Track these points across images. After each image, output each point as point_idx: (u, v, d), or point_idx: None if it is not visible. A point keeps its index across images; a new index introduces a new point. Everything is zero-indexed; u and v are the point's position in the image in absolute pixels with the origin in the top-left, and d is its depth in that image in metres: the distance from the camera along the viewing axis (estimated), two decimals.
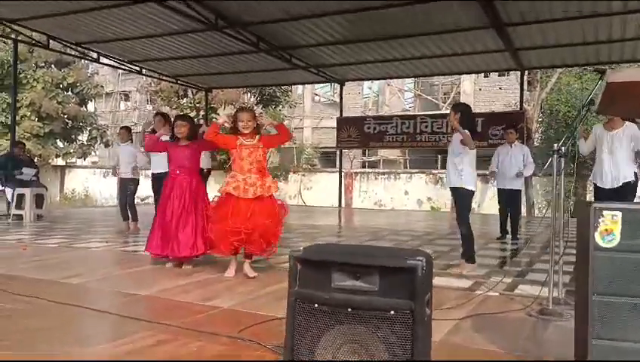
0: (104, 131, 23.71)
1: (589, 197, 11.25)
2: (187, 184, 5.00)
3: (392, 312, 1.87)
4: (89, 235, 7.60)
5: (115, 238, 7.29)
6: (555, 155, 3.59)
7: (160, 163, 6.96)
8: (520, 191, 7.71)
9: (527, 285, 4.45)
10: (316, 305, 1.95)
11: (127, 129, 8.33)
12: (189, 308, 3.50)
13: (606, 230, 2.16)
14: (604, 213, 2.15)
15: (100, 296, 3.97)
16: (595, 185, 5.52)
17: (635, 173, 5.45)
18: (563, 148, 3.64)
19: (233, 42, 9.97)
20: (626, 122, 5.18)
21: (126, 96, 30.79)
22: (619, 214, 2.14)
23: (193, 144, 5.13)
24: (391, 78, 14.58)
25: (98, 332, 3.09)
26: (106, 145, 23.50)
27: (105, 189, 21.67)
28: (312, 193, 15.98)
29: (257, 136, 4.64)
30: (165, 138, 5.50)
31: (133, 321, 3.16)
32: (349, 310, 1.90)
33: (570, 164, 14.96)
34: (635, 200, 5.74)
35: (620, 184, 5.24)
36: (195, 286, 4.24)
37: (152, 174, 7.13)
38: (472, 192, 5.07)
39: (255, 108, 21.16)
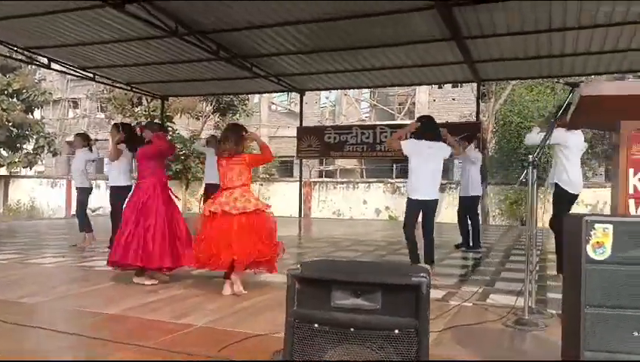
0: (52, 140, 22.78)
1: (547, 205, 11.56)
2: (159, 193, 4.83)
3: (397, 331, 1.81)
4: (42, 250, 7.23)
5: (71, 253, 6.95)
6: (530, 167, 3.62)
7: (117, 177, 6.73)
8: (477, 197, 7.86)
9: (497, 294, 4.50)
10: (316, 326, 1.87)
11: (82, 136, 7.99)
12: (161, 327, 3.34)
13: (597, 243, 2.17)
14: (596, 225, 2.17)
15: (62, 316, 3.74)
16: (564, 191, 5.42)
17: None
18: (536, 159, 3.68)
19: (193, 50, 9.75)
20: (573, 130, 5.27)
21: (75, 104, 29.75)
22: (610, 227, 2.16)
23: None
24: (351, 88, 14.66)
25: (65, 356, 2.89)
26: (54, 154, 22.59)
27: (53, 200, 20.79)
28: (271, 203, 15.76)
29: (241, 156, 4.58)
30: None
31: (103, 343, 2.98)
32: (352, 330, 1.83)
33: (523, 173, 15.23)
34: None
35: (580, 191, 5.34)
36: (164, 303, 4.07)
37: (111, 187, 6.86)
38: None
39: (211, 116, 20.88)
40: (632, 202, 3.41)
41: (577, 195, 5.19)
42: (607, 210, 13.00)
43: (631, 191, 3.40)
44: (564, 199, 5.13)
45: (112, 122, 10.45)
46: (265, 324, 3.40)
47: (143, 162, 4.94)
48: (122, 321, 3.53)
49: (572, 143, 5.11)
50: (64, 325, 3.37)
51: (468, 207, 7.72)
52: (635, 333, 2.13)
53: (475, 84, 13.32)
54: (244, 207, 4.36)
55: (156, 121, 16.85)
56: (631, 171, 3.38)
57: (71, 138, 28.22)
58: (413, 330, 1.81)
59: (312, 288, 1.91)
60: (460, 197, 7.91)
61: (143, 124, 6.76)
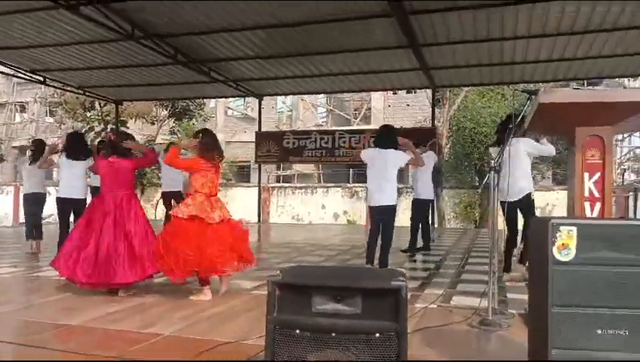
0: None
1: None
2: (118, 202, 4.70)
3: (378, 335, 1.84)
4: None
5: (24, 263, 6.68)
6: (492, 172, 3.74)
7: (65, 186, 6.55)
8: (428, 201, 7.99)
9: (460, 296, 4.61)
10: (297, 331, 1.88)
11: (40, 142, 7.71)
12: (128, 338, 3.26)
13: (563, 244, 2.27)
14: (561, 228, 2.26)
15: (23, 328, 3.59)
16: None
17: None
18: (497, 165, 3.80)
19: (149, 53, 9.58)
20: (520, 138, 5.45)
21: (22, 108, 28.64)
22: (574, 229, 2.26)
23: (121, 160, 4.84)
24: (308, 93, 14.73)
25: None
26: (0, 159, 21.68)
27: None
28: (229, 208, 15.62)
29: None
30: None
31: (69, 355, 2.89)
32: (333, 334, 1.85)
33: (476, 177, 15.83)
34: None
35: (523, 196, 5.45)
36: (128, 313, 3.97)
37: (57, 198, 6.62)
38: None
39: (167, 121, 20.52)
40: (587, 204, 3.58)
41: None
42: (555, 212, 13.52)
43: (586, 193, 3.58)
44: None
45: (64, 127, 10.09)
46: (233, 332, 3.38)
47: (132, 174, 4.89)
48: (86, 332, 3.42)
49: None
50: (25, 338, 3.23)
51: (420, 210, 7.84)
52: (599, 331, 2.23)
53: (429, 91, 13.61)
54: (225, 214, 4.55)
55: (110, 126, 16.47)
56: (586, 175, 3.55)
57: (17, 143, 27.21)
58: (393, 333, 1.85)
59: (292, 294, 1.92)
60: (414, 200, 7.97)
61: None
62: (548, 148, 5.35)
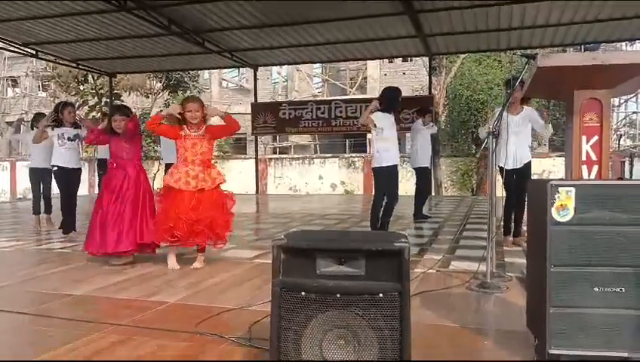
0: None
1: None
2: (127, 175, 4.73)
3: (381, 295, 1.88)
4: None
5: (26, 236, 6.72)
6: (490, 136, 3.76)
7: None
8: (426, 168, 8.09)
9: (459, 261, 4.67)
10: (303, 293, 1.92)
11: (42, 115, 7.61)
12: (134, 306, 3.32)
13: (561, 205, 2.30)
14: (560, 189, 2.30)
15: (29, 299, 3.63)
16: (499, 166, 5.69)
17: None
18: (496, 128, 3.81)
19: (143, 24, 9.49)
20: (525, 106, 5.49)
21: (14, 82, 28.34)
22: (573, 190, 2.29)
23: (130, 133, 4.84)
24: (304, 62, 14.60)
25: (40, 339, 2.81)
26: None
27: None
28: (226, 181, 15.68)
29: (204, 127, 4.49)
30: None
31: (77, 323, 2.94)
32: (338, 296, 1.90)
33: (472, 145, 15.86)
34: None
35: (523, 164, 5.51)
36: (133, 282, 4.03)
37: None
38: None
39: (161, 94, 20.38)
40: (584, 168, 3.62)
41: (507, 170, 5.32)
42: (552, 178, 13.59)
43: (584, 157, 3.60)
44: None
45: (58, 101, 9.97)
46: (236, 299, 3.44)
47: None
48: (93, 302, 3.48)
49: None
50: (33, 308, 3.28)
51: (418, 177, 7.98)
52: (596, 289, 2.28)
53: (426, 59, 13.53)
54: (202, 184, 4.43)
55: (104, 99, 16.36)
56: (584, 138, 3.57)
57: (10, 118, 27.01)
58: (396, 293, 1.89)
59: (296, 257, 1.95)
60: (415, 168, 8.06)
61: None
62: (546, 128, 5.36)
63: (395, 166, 5.74)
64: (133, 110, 19.26)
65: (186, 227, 4.28)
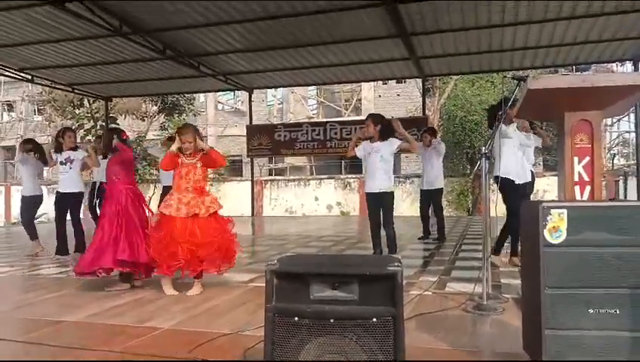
0: None
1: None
2: (121, 199, 4.75)
3: (375, 320, 1.88)
4: None
5: (20, 262, 6.68)
6: (483, 158, 3.78)
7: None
8: (441, 189, 8.00)
9: (455, 283, 4.67)
10: (296, 319, 1.91)
11: (32, 142, 7.65)
12: (128, 332, 3.29)
13: (554, 227, 2.31)
14: (552, 211, 2.31)
15: (21, 326, 3.60)
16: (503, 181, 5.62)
17: (532, 171, 5.91)
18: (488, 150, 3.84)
19: (138, 49, 9.54)
20: (515, 125, 5.52)
21: (10, 107, 28.39)
22: (565, 212, 2.31)
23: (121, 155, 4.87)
24: (298, 85, 14.68)
25: None
26: None
27: None
28: (222, 203, 15.65)
29: (198, 155, 4.51)
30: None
31: (69, 351, 2.91)
32: (331, 321, 1.89)
33: (468, 165, 15.89)
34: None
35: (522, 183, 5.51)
36: (128, 307, 4.00)
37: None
38: None
39: (157, 117, 20.43)
40: (577, 188, 3.63)
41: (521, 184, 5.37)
42: (546, 198, 13.64)
43: (576, 178, 3.62)
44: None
45: (53, 125, 10.04)
46: (231, 324, 3.41)
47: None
48: (86, 328, 3.45)
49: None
50: (25, 336, 3.25)
51: (436, 199, 7.88)
52: (590, 310, 2.28)
53: (419, 80, 13.64)
54: (195, 210, 4.42)
55: (100, 123, 16.39)
56: (576, 159, 3.60)
57: (6, 143, 27.01)
58: (390, 318, 1.89)
59: (290, 282, 1.95)
60: (425, 190, 7.93)
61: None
62: (534, 140, 5.44)
63: (373, 194, 5.48)
64: (130, 134, 19.25)
65: (188, 252, 4.26)
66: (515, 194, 5.21)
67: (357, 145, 5.86)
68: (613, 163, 18.73)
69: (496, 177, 5.17)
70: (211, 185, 17.63)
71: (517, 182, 5.30)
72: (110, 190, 4.83)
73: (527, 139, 5.53)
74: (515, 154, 5.34)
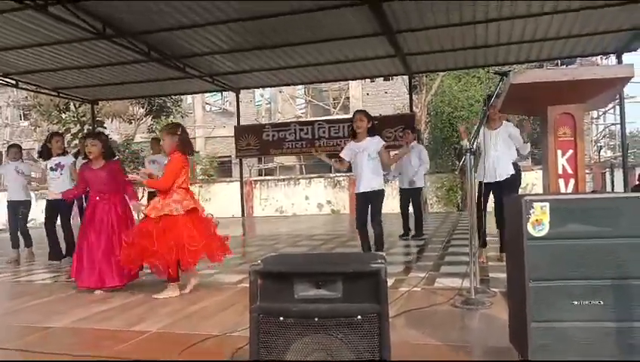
0: None
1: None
2: (108, 210, 4.70)
3: (359, 317, 1.88)
4: None
5: (9, 268, 6.62)
6: (468, 154, 3.80)
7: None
8: (421, 189, 8.02)
9: (444, 278, 4.68)
10: (281, 318, 1.91)
11: (18, 147, 7.57)
12: (116, 336, 3.27)
13: (537, 220, 2.32)
14: (534, 204, 2.32)
15: (8, 333, 3.56)
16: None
17: (517, 167, 5.92)
18: (474, 146, 3.85)
19: (122, 52, 9.50)
20: (504, 121, 5.56)
21: None
22: (547, 205, 2.32)
23: (110, 164, 4.82)
24: (285, 85, 14.68)
25: None
26: None
27: None
28: (212, 204, 15.63)
29: (169, 158, 4.53)
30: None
31: (57, 357, 2.88)
32: (316, 319, 1.89)
33: (456, 161, 15.93)
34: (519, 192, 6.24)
35: (503, 178, 5.53)
36: (116, 311, 3.98)
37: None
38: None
39: (144, 119, 20.33)
40: (561, 181, 3.66)
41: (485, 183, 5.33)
42: (535, 191, 13.73)
43: (560, 171, 3.65)
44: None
45: (39, 130, 9.98)
46: (220, 325, 3.40)
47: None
48: (74, 333, 3.42)
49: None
50: (12, 342, 3.21)
51: (415, 198, 7.88)
52: (575, 302, 2.29)
53: (406, 77, 13.68)
54: (156, 212, 4.43)
55: (87, 126, 16.27)
56: (559, 153, 3.62)
57: None
58: (375, 315, 1.89)
59: (274, 282, 1.95)
60: (404, 189, 7.92)
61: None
62: (524, 146, 5.45)
63: (362, 193, 5.31)
64: (117, 137, 19.13)
65: (151, 255, 4.28)
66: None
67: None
68: (599, 155, 18.90)
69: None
70: (201, 186, 17.59)
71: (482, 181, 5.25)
72: (94, 199, 4.83)
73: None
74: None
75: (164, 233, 4.29)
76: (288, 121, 18.67)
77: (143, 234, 4.31)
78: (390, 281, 4.63)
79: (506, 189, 5.41)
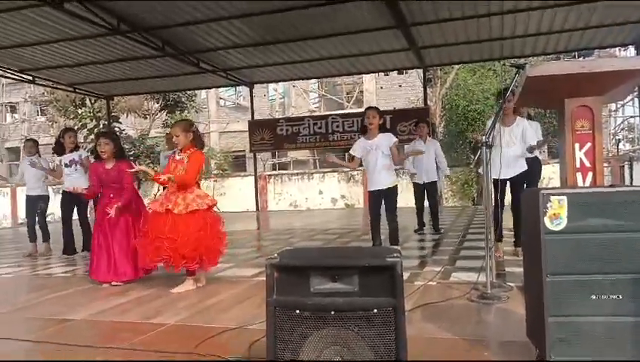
0: None
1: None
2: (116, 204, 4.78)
3: (375, 311, 1.88)
4: None
5: (27, 262, 6.73)
6: (484, 147, 3.77)
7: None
8: (436, 182, 7.97)
9: (459, 272, 4.67)
10: (297, 311, 1.92)
11: (34, 141, 7.67)
12: (134, 328, 3.31)
13: (554, 214, 2.31)
14: (552, 198, 2.30)
15: (29, 325, 3.62)
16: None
17: (538, 160, 5.87)
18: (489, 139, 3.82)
19: (137, 47, 9.57)
20: (518, 117, 5.49)
21: (13, 108, 28.49)
22: (565, 198, 2.30)
23: (121, 163, 4.87)
24: (299, 79, 14.70)
25: None
26: None
27: None
28: (226, 199, 15.71)
29: (189, 152, 4.48)
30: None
31: (77, 348, 2.93)
32: (332, 313, 1.90)
33: (471, 155, 15.84)
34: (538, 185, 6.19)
35: (516, 174, 5.40)
36: (133, 304, 4.03)
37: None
38: None
39: (159, 114, 20.46)
40: (579, 175, 3.62)
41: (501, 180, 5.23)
42: (552, 185, 13.59)
43: (577, 164, 3.61)
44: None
45: (56, 125, 10.12)
46: (237, 318, 3.43)
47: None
48: (93, 326, 3.48)
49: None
50: (33, 334, 3.27)
51: (431, 191, 7.86)
52: (593, 296, 2.27)
53: (421, 70, 13.60)
54: (170, 206, 4.40)
55: (102, 122, 16.44)
56: (577, 146, 3.58)
57: (10, 144, 27.14)
58: (391, 309, 1.89)
59: (290, 276, 1.96)
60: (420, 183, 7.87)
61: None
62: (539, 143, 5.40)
63: (378, 190, 5.25)
64: (133, 132, 19.28)
65: (169, 247, 4.26)
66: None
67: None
68: (618, 148, 18.64)
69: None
70: (215, 181, 17.67)
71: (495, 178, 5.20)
72: (105, 196, 4.91)
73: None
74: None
75: (191, 228, 4.32)
76: (302, 115, 18.67)
77: (169, 229, 4.29)
78: (405, 275, 4.60)
79: (520, 185, 5.37)
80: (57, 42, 9.23)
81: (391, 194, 5.22)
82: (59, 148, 6.87)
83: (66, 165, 6.77)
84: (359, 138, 5.46)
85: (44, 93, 19.57)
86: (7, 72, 11.19)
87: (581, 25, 9.25)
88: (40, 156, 7.40)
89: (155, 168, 16.61)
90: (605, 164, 13.30)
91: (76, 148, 6.94)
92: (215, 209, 4.60)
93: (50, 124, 21.96)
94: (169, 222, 4.31)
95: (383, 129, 5.29)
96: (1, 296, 4.66)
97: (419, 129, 8.04)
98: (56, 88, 13.63)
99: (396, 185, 5.26)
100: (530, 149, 5.33)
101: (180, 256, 4.31)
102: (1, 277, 5.69)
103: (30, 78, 11.63)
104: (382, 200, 5.25)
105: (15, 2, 7.26)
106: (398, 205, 5.32)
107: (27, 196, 7.36)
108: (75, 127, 16.58)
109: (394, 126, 11.83)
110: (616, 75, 3.13)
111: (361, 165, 5.55)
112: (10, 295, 4.67)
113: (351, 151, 5.50)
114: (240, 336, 3.02)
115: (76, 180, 6.49)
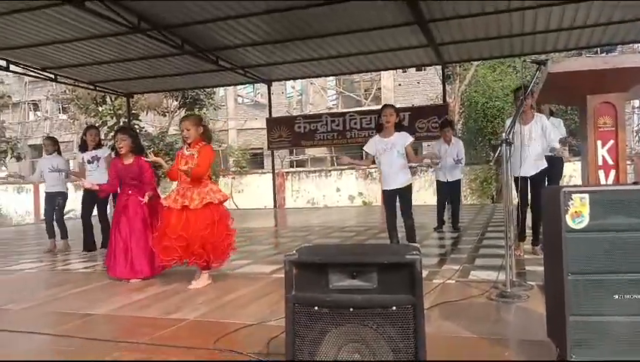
0: (15, 144, 22.14)
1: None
2: (140, 202, 4.83)
3: (394, 308, 1.88)
4: (19, 256, 7.11)
5: (48, 258, 6.85)
6: (504, 144, 3.74)
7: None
8: (460, 181, 7.96)
9: (478, 271, 4.63)
10: (316, 308, 1.93)
11: (53, 139, 7.78)
12: (154, 324, 3.35)
13: (576, 212, 2.28)
14: (573, 196, 2.27)
15: (51, 320, 3.69)
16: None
17: (560, 157, 5.80)
18: (510, 136, 3.79)
19: (156, 45, 9.63)
20: (536, 114, 5.41)
21: (35, 106, 28.96)
22: (587, 196, 2.27)
23: (139, 159, 4.92)
24: (317, 76, 14.66)
25: (59, 359, 2.87)
26: (18, 158, 21.98)
27: (20, 206, 20.29)
28: (244, 196, 15.82)
29: (198, 146, 4.49)
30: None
31: (98, 343, 2.98)
32: (351, 309, 1.90)
33: (490, 152, 15.67)
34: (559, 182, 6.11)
35: (537, 172, 5.31)
36: (153, 300, 4.07)
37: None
38: None
39: (178, 112, 20.61)
40: (601, 173, 3.57)
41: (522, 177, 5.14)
42: (574, 183, 13.41)
43: (600, 162, 3.56)
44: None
45: (77, 123, 10.27)
46: (255, 314, 3.45)
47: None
48: (113, 320, 3.53)
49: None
50: (55, 328, 3.33)
51: (456, 190, 7.88)
52: (615, 296, 2.24)
53: (439, 67, 13.50)
54: (186, 202, 4.43)
55: (122, 119, 16.61)
56: (599, 143, 3.53)
57: (33, 141, 27.59)
58: (410, 306, 1.88)
59: (309, 272, 1.97)
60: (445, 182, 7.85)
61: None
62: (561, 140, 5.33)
63: (393, 190, 5.22)
64: (152, 130, 19.39)
65: (179, 246, 4.29)
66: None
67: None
68: None
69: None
70: (233, 178, 17.78)
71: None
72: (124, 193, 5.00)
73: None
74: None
75: (200, 224, 4.34)
76: (320, 112, 18.66)
77: (182, 226, 4.32)
78: (424, 273, 4.58)
79: (541, 183, 5.30)
80: (78, 40, 9.34)
81: (405, 193, 5.20)
82: (83, 145, 7.04)
83: (88, 162, 6.89)
84: (375, 135, 5.44)
85: (65, 91, 19.84)
86: (30, 70, 11.35)
87: (603, 20, 9.09)
88: (60, 154, 7.49)
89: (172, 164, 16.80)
90: (628, 162, 13.08)
91: (99, 145, 7.05)
92: (225, 204, 4.62)
93: (71, 121, 22.27)
94: (183, 219, 4.34)
95: (399, 127, 5.26)
96: (24, 291, 4.75)
97: (443, 134, 8.01)
98: (78, 86, 13.80)
99: (410, 183, 5.25)
100: (553, 150, 5.27)
101: (190, 252, 4.35)
102: (24, 273, 5.80)
103: (52, 76, 11.79)
104: (396, 198, 5.23)
105: (37, 2, 7.36)
106: (414, 203, 5.30)
107: (46, 193, 7.49)
108: (97, 125, 16.79)
109: (412, 123, 11.78)
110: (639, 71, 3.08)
111: (373, 163, 5.53)
112: (33, 290, 4.76)
113: (365, 148, 5.48)
114: (258, 332, 3.03)
115: (97, 177, 6.58)
